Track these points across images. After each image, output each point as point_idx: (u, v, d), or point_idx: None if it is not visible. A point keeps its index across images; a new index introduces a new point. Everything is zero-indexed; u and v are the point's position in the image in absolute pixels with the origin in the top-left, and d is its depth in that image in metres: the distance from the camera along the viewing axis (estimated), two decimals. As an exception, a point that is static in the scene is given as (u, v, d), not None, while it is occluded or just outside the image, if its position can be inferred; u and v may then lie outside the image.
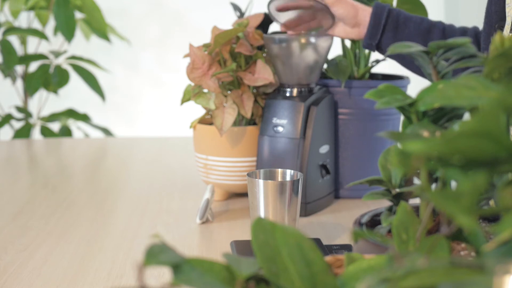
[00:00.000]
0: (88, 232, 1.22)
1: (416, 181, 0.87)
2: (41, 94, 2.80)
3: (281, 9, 1.32)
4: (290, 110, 1.30)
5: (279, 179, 1.13)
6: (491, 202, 0.97)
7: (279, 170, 1.15)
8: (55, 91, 2.64)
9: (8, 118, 2.62)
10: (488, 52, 0.75)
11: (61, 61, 2.64)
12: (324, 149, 1.34)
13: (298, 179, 1.10)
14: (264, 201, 1.08)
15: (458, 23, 1.38)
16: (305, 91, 1.33)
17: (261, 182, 1.08)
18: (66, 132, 2.69)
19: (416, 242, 0.57)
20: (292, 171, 1.14)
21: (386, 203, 0.89)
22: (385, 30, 1.30)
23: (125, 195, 1.47)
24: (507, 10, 1.15)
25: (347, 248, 1.07)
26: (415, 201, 1.06)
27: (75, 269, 1.05)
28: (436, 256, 0.53)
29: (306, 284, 0.50)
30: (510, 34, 1.14)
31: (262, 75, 1.31)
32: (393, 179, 0.85)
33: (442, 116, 0.71)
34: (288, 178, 1.13)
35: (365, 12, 1.31)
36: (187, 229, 1.22)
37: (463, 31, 1.33)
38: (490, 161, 0.43)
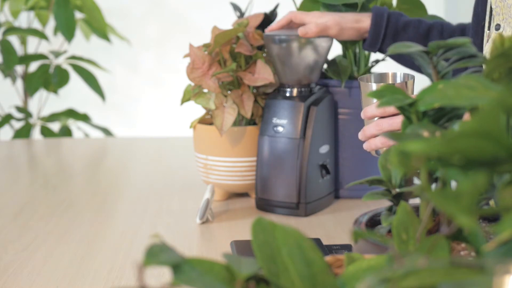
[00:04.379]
0: (88, 232, 1.22)
1: (416, 181, 0.87)
2: (41, 94, 2.80)
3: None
4: (290, 110, 1.30)
5: (390, 81, 1.09)
6: (491, 202, 0.97)
7: (390, 73, 1.11)
8: (55, 91, 2.64)
9: (8, 118, 2.62)
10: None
11: (61, 61, 2.64)
12: (324, 149, 1.34)
13: (412, 81, 1.06)
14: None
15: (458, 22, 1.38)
16: (305, 91, 1.33)
17: (373, 85, 1.07)
18: (66, 132, 2.69)
19: (416, 242, 0.57)
20: (402, 73, 1.09)
21: (386, 203, 0.89)
22: (385, 38, 1.32)
23: (125, 195, 1.48)
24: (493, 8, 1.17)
25: (347, 248, 1.07)
26: (415, 201, 1.06)
27: (75, 269, 1.05)
28: (436, 256, 0.53)
29: (306, 284, 0.50)
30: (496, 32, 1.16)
31: (262, 75, 1.31)
32: (393, 179, 0.85)
33: (442, 116, 0.71)
34: (399, 80, 1.09)
35: (365, 21, 1.32)
36: (187, 229, 1.22)
37: (462, 29, 1.34)
38: (490, 161, 0.43)
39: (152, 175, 1.60)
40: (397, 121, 1.04)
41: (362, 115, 1.08)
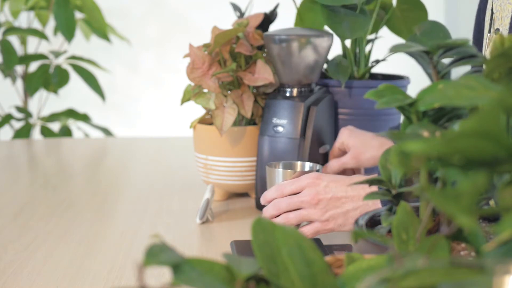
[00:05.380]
0: (88, 232, 1.22)
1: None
2: (41, 94, 2.80)
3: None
4: (290, 110, 1.30)
5: (299, 169, 1.18)
6: (491, 202, 0.97)
7: (298, 162, 1.20)
8: (55, 91, 2.64)
9: (8, 118, 2.62)
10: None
11: (61, 61, 2.64)
12: (324, 149, 1.34)
13: (318, 170, 1.15)
14: None
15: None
16: (305, 91, 1.33)
17: (280, 171, 1.14)
18: (66, 132, 2.69)
19: (416, 242, 0.57)
20: (311, 163, 1.19)
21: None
22: None
23: (125, 195, 1.47)
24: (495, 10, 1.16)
25: (347, 248, 1.07)
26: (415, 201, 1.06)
27: (75, 269, 1.04)
28: (436, 256, 0.53)
29: (306, 284, 0.50)
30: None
31: (262, 75, 1.31)
32: (393, 179, 0.85)
33: (442, 116, 0.71)
34: (307, 169, 1.18)
35: None
36: (187, 229, 1.22)
37: None
38: (490, 161, 0.43)
39: (152, 175, 1.60)
40: (294, 200, 1.09)
41: (262, 200, 1.13)
